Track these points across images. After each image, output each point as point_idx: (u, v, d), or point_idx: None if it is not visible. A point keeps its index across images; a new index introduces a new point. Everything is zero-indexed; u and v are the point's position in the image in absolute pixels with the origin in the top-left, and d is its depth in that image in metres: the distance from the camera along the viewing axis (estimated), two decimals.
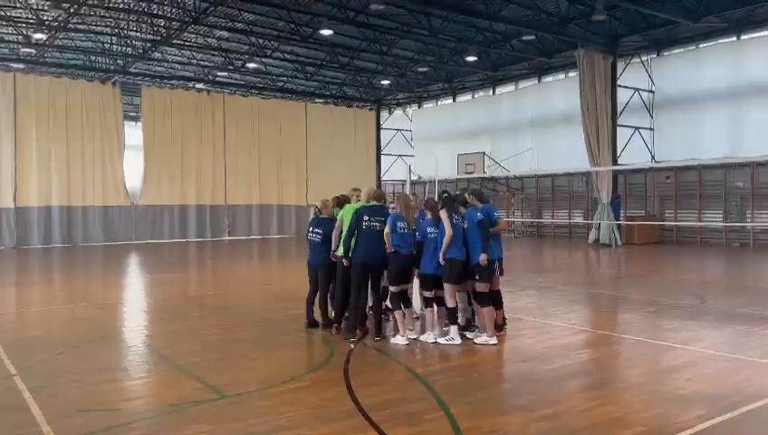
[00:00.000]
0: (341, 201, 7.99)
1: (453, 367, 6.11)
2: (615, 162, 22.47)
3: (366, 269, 7.18)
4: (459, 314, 7.37)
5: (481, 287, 7.01)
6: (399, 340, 6.95)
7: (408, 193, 7.64)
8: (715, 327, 7.90)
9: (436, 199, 7.40)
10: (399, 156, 33.55)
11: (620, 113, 23.12)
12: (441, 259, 6.85)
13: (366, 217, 7.17)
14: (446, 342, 6.89)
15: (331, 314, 7.65)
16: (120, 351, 6.98)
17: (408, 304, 7.34)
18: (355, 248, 7.13)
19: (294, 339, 7.33)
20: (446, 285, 6.95)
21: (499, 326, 7.36)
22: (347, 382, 5.44)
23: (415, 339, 7.08)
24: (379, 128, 33.27)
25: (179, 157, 26.72)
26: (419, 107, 34.91)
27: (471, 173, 27.02)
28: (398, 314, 7.06)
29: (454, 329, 6.95)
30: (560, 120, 26.56)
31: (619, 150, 22.90)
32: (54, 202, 24.12)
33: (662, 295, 10.36)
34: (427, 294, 7.10)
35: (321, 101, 32.22)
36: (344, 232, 7.35)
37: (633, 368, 6.00)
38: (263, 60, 26.53)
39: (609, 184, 22.45)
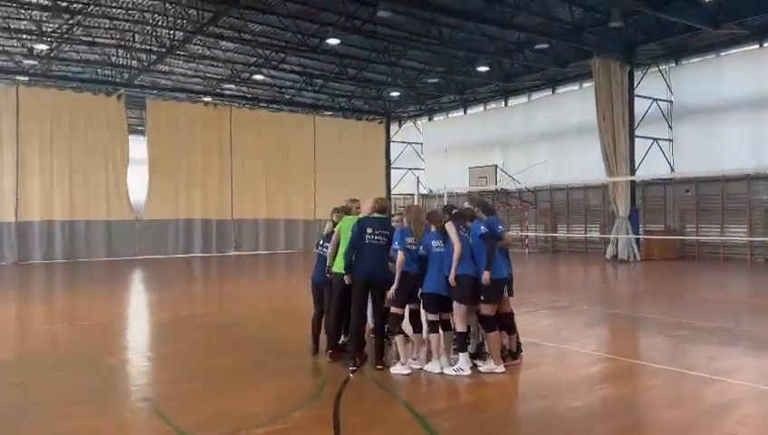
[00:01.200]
0: (343, 212, 7.27)
1: (461, 405, 5.32)
2: (633, 174, 21.63)
3: (367, 287, 6.43)
4: (470, 340, 6.60)
5: (486, 310, 6.23)
6: (400, 369, 6.17)
7: (418, 204, 6.86)
8: (756, 355, 7.05)
9: (440, 212, 6.64)
10: (409, 169, 32.88)
11: (638, 124, 22.29)
12: (452, 277, 6.10)
13: (369, 230, 6.44)
14: (453, 372, 6.10)
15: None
16: (88, 380, 6.21)
17: (419, 327, 6.58)
18: (355, 264, 6.39)
19: (287, 366, 6.55)
20: (456, 307, 6.19)
21: (514, 354, 6.57)
22: (335, 424, 4.68)
23: (419, 369, 6.30)
24: (388, 141, 32.62)
25: (185, 170, 26.16)
26: (430, 120, 34.27)
27: (483, 186, 26.29)
28: (399, 339, 6.29)
29: (463, 357, 6.17)
30: (574, 133, 25.79)
31: (636, 162, 22.05)
32: (57, 216, 23.60)
33: (690, 317, 9.50)
34: (432, 317, 6.33)
35: (330, 113, 31.67)
36: (342, 246, 6.64)
37: (672, 407, 5.14)
38: (270, 72, 26.06)
39: (626, 197, 21.57)
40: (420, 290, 6.37)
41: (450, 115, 33.02)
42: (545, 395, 5.48)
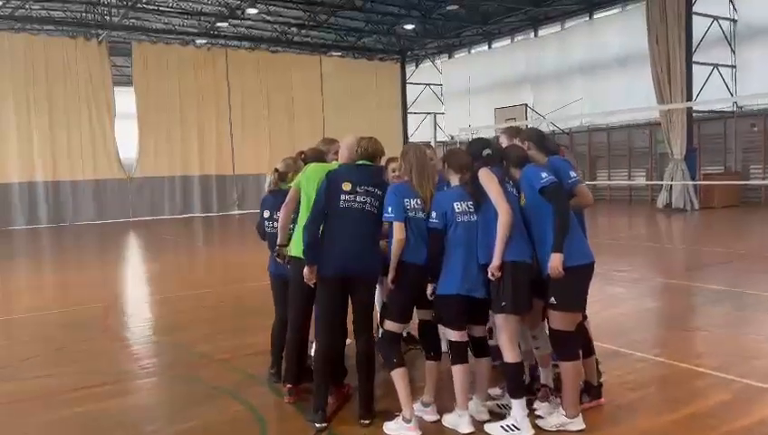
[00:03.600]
0: (310, 159, 4.60)
1: None
2: (690, 108, 18.42)
3: (344, 287, 3.76)
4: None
5: (561, 322, 3.54)
6: (402, 429, 3.56)
7: (422, 144, 4.08)
8: None
9: (468, 152, 3.88)
10: (428, 114, 29.83)
11: (695, 48, 18.89)
12: (496, 264, 3.44)
13: (347, 187, 3.75)
14: (503, 433, 3.47)
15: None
16: None
17: (437, 350, 3.89)
18: (323, 246, 3.74)
19: (210, 421, 3.95)
20: (501, 320, 3.54)
21: (596, 389, 3.91)
22: None
23: (434, 422, 3.70)
24: (404, 83, 29.40)
25: (178, 122, 23.62)
26: (450, 57, 30.87)
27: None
28: (397, 375, 3.64)
29: (519, 406, 3.49)
30: (616, 64, 22.52)
31: (694, 93, 18.77)
32: (39, 177, 21.43)
33: None
34: (456, 335, 3.65)
35: (339, 53, 28.52)
36: (303, 214, 3.99)
37: None
38: (268, 7, 23.01)
39: (683, 135, 18.40)
40: (433, 289, 3.69)
41: (473, 51, 29.58)
42: None
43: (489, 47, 28.48)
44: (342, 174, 3.84)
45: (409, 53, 29.95)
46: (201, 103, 24.02)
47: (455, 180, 3.73)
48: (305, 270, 3.72)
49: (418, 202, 3.69)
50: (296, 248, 4.01)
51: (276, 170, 4.72)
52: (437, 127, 30.22)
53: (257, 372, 4.66)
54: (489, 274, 3.44)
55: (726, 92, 19.35)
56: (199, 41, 25.58)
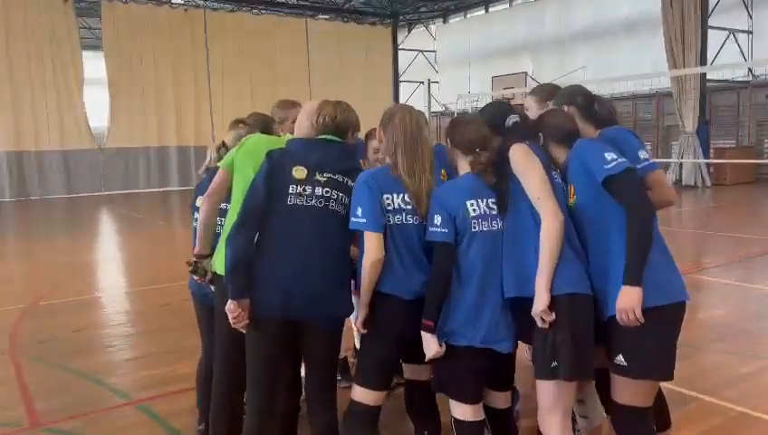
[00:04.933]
0: (253, 129, 3.27)
1: None
2: (705, 76, 17.06)
3: (290, 332, 2.39)
4: None
5: (635, 395, 2.19)
6: None
7: (411, 107, 2.65)
8: None
9: (481, 122, 2.50)
10: (421, 82, 28.15)
11: (710, 12, 17.46)
12: (542, 309, 2.09)
13: (300, 173, 2.39)
14: None
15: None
16: None
17: (430, 427, 2.56)
18: (260, 267, 2.36)
19: None
20: (547, 389, 2.18)
21: None
22: None
23: None
24: (396, 49, 27.78)
25: (153, 89, 22.07)
26: (444, 22, 29.17)
27: (510, 99, 21.80)
28: None
29: None
30: (622, 30, 21.09)
31: (708, 61, 17.38)
32: (0, 148, 19.86)
33: None
34: (465, 412, 2.29)
35: (326, 17, 26.79)
36: (233, 207, 2.64)
37: None
38: None
39: (695, 107, 17.06)
40: (436, 342, 2.34)
41: (469, 15, 27.94)
42: None
43: (486, 11, 26.83)
44: (293, 154, 2.47)
45: (401, 17, 28.23)
46: (177, 69, 22.44)
47: (464, 165, 2.37)
48: (229, 305, 2.35)
49: (406, 199, 2.33)
50: (219, 262, 2.66)
51: (223, 144, 3.37)
52: (431, 97, 28.71)
53: (183, 425, 3.36)
54: (537, 319, 2.11)
55: (741, 60, 17.98)
56: (175, 1, 23.79)
